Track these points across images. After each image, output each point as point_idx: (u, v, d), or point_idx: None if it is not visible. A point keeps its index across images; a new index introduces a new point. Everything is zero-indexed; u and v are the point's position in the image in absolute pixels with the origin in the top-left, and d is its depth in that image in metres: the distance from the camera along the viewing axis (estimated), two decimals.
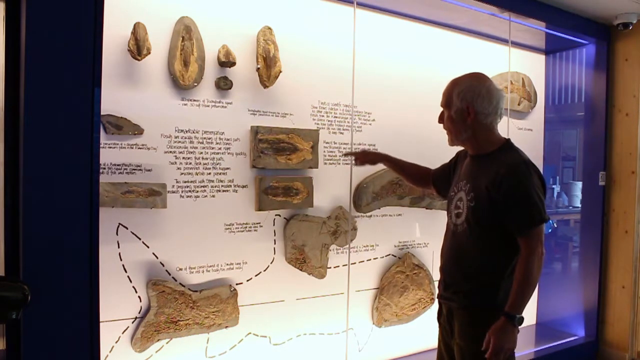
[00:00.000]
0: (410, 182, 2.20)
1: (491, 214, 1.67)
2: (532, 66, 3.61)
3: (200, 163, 2.28)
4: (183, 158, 2.23)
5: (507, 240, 1.68)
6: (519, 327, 1.67)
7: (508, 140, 1.78)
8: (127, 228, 2.11)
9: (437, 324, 1.96)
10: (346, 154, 2.26)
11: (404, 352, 3.00)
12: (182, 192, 2.24)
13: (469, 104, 1.70)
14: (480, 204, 1.69)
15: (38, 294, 1.55)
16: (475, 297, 1.73)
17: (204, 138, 2.28)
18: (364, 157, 2.22)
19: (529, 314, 3.63)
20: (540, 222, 1.64)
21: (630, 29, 3.19)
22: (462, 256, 1.76)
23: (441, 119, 1.80)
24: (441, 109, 1.81)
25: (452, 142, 1.80)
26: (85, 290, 1.69)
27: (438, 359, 1.96)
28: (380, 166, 2.84)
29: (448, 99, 1.75)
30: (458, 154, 1.96)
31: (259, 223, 2.45)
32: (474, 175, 1.75)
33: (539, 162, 3.70)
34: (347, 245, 2.74)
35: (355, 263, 2.79)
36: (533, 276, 1.63)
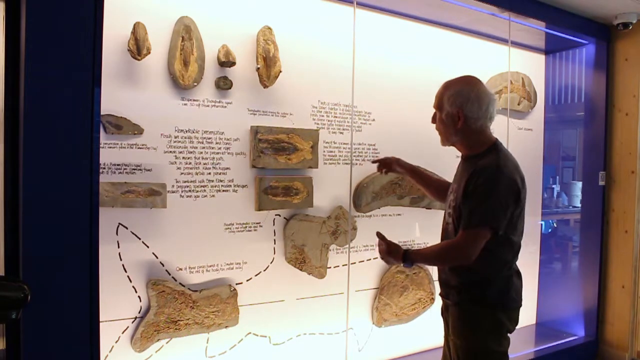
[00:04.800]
0: (434, 197, 2.12)
1: None
2: (532, 66, 3.61)
3: (200, 163, 2.28)
4: (183, 158, 2.23)
5: (491, 238, 1.66)
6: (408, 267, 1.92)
7: (495, 143, 1.77)
8: (127, 228, 2.11)
9: (441, 320, 1.97)
10: (374, 162, 2.19)
11: (404, 352, 3.00)
12: (182, 192, 2.24)
13: (458, 108, 1.71)
14: (460, 204, 1.72)
15: (38, 294, 1.55)
16: (466, 293, 1.75)
17: (204, 138, 2.28)
18: (388, 166, 2.17)
19: (529, 314, 3.64)
20: (481, 224, 1.61)
21: (630, 29, 3.18)
22: None
23: (434, 120, 1.83)
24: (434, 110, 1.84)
25: (444, 143, 1.84)
26: (85, 290, 1.69)
27: (443, 354, 1.98)
28: None
29: (440, 102, 1.77)
30: None
31: (259, 223, 2.45)
32: (459, 177, 1.79)
33: (538, 162, 3.70)
34: (347, 245, 2.74)
35: (355, 263, 2.79)
36: (442, 261, 1.78)
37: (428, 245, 1.79)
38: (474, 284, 1.72)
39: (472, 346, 1.73)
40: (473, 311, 1.73)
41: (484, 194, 1.62)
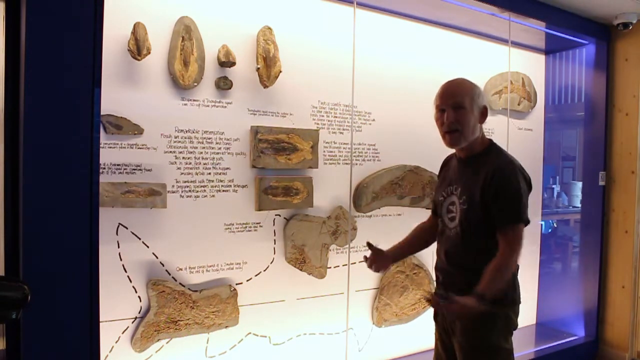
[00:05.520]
0: (427, 246, 2.05)
1: (483, 215, 1.68)
2: (532, 66, 3.61)
3: (200, 163, 2.28)
4: (183, 158, 2.23)
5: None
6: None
7: (492, 142, 1.83)
8: (127, 228, 2.11)
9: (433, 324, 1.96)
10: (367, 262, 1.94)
11: (404, 352, 3.00)
12: (182, 192, 2.24)
13: (485, 104, 1.77)
14: (472, 207, 1.70)
15: (38, 294, 1.55)
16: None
17: (204, 138, 2.28)
18: (381, 265, 1.95)
19: (529, 314, 3.64)
20: (520, 220, 1.65)
21: (630, 29, 3.18)
22: (459, 258, 1.76)
23: (455, 119, 1.71)
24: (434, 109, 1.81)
25: (460, 143, 1.75)
26: (85, 290, 1.69)
27: (437, 357, 1.96)
28: (381, 166, 2.87)
29: (468, 99, 1.73)
30: (440, 166, 1.99)
31: (259, 223, 2.45)
32: (464, 179, 1.77)
33: (538, 162, 3.70)
34: (347, 245, 2.74)
35: (355, 263, 2.79)
36: (507, 275, 1.64)
37: (483, 276, 1.62)
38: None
39: (486, 345, 1.71)
40: (486, 310, 1.71)
41: (513, 191, 1.65)
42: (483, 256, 1.71)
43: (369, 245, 1.91)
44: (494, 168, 1.68)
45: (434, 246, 1.95)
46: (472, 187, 1.71)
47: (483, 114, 1.77)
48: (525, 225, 1.68)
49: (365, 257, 1.92)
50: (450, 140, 1.74)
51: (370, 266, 1.91)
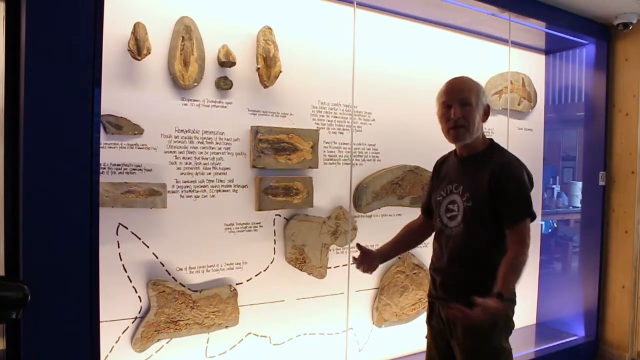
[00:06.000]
0: (415, 246, 2.14)
1: (491, 211, 1.69)
2: (532, 66, 3.61)
3: (200, 163, 2.28)
4: (183, 158, 2.23)
5: (501, 234, 1.70)
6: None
7: (493, 141, 1.85)
8: (127, 228, 2.11)
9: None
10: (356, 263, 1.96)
11: (404, 352, 3.00)
12: (182, 192, 2.24)
13: (488, 103, 1.80)
14: (477, 204, 1.70)
15: (38, 294, 1.55)
16: (483, 291, 1.70)
17: (204, 138, 2.28)
18: (370, 264, 1.96)
19: (529, 314, 3.64)
20: (529, 215, 1.69)
21: (630, 29, 3.18)
22: (464, 257, 1.75)
23: (462, 114, 1.72)
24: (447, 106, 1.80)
25: (465, 139, 1.75)
26: (85, 290, 1.69)
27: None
28: (381, 166, 2.87)
29: (471, 95, 1.74)
30: (434, 167, 2.00)
31: (259, 223, 2.45)
32: (466, 177, 1.77)
33: (539, 162, 3.70)
34: (347, 245, 2.74)
35: (355, 263, 2.79)
36: (522, 271, 1.64)
37: (499, 275, 1.61)
38: (488, 281, 1.70)
39: (489, 346, 1.70)
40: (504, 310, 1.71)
41: (521, 188, 1.69)
42: (488, 253, 1.71)
43: (359, 246, 1.93)
44: (501, 165, 1.70)
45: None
46: (476, 185, 1.71)
47: (486, 112, 1.79)
48: (532, 219, 1.71)
49: (354, 257, 1.94)
50: (455, 135, 1.75)
51: (359, 267, 1.93)
